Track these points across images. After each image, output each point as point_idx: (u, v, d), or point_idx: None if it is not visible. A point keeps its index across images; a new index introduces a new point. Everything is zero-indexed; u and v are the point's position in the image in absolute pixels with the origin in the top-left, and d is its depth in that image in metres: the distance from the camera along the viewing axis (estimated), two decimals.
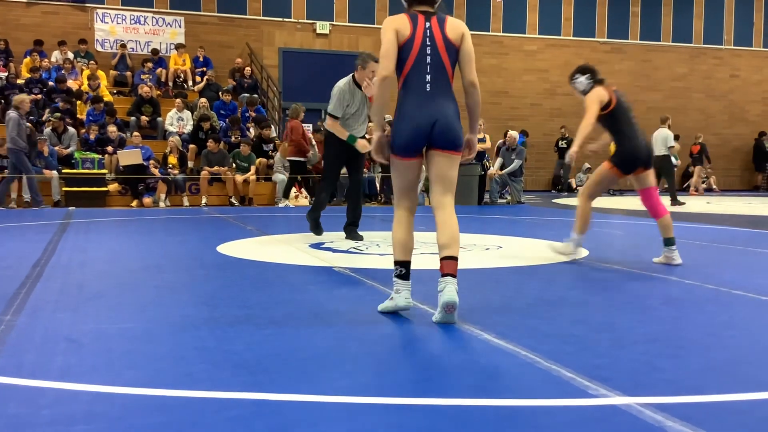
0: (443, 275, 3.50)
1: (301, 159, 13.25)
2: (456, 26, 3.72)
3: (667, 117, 14.86)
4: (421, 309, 3.80)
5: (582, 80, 5.74)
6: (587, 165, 21.48)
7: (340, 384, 2.55)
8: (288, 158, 13.34)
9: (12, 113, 11.81)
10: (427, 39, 3.65)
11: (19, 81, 15.39)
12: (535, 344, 3.05)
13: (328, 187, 7.64)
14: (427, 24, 3.67)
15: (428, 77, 3.64)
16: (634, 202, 14.94)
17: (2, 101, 14.86)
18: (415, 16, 3.70)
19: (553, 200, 15.90)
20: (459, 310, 3.47)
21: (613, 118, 5.60)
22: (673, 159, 14.72)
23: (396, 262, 3.67)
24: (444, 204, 3.68)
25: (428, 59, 3.64)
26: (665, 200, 14.53)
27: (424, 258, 5.78)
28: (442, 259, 3.55)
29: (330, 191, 8.04)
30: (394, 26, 3.66)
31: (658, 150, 14.06)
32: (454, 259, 3.53)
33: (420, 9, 3.73)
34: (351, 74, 6.98)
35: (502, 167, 14.42)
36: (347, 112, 6.95)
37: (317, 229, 7.47)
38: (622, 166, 5.63)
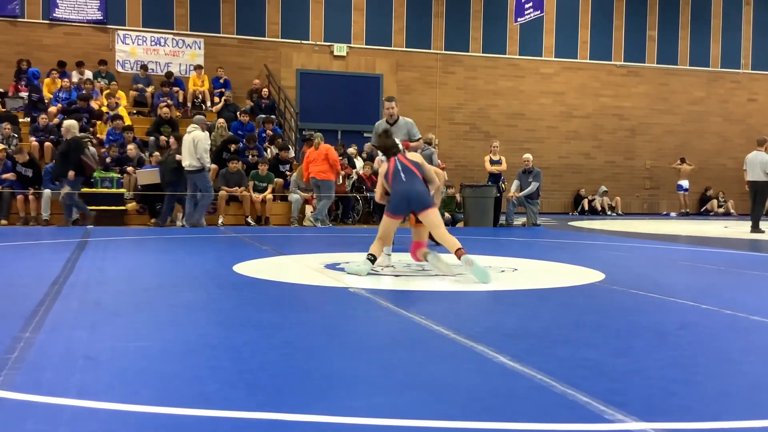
0: None
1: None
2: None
3: (765, 139, 13.12)
4: (436, 330, 3.80)
5: None
6: (604, 188, 21.41)
7: (354, 405, 2.55)
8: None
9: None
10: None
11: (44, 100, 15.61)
12: (551, 368, 3.04)
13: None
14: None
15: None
16: (650, 226, 14.85)
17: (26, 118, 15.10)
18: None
19: (569, 222, 15.83)
20: (473, 332, 3.53)
21: None
22: None
23: None
24: None
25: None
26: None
27: (434, 280, 5.78)
28: None
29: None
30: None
31: (756, 175, 12.79)
32: None
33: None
34: None
35: (520, 189, 14.42)
36: None
37: None
38: None
